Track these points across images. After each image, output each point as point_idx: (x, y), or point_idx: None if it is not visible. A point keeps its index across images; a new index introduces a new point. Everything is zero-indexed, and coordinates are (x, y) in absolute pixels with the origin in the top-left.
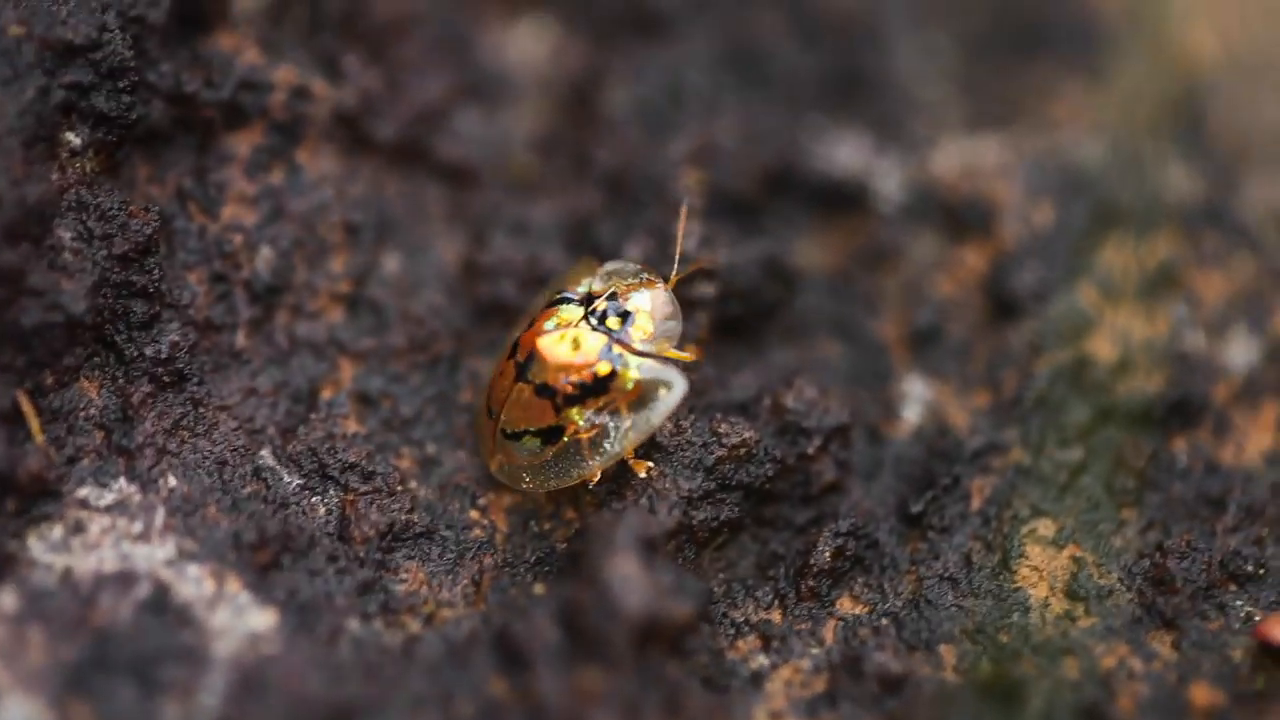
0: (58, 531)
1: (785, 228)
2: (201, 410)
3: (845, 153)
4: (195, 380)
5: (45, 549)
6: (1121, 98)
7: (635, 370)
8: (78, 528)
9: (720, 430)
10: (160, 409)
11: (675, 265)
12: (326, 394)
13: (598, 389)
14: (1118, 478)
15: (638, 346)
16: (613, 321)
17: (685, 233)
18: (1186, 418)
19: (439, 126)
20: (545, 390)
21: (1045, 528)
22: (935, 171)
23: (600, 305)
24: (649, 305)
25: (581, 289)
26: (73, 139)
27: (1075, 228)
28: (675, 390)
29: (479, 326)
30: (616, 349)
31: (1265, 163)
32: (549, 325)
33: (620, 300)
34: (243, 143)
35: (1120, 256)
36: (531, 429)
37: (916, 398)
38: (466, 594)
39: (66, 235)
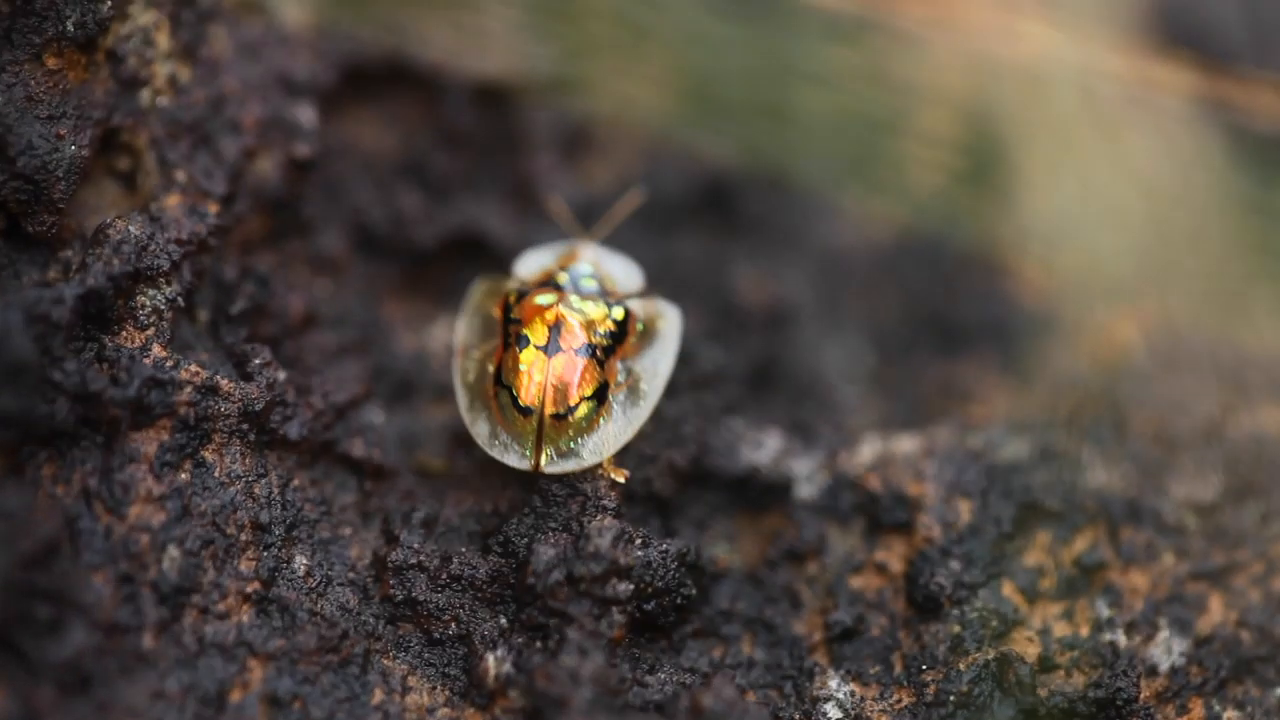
0: None
1: (702, 524)
2: (108, 715)
3: (763, 449)
4: (101, 684)
5: None
6: (1042, 391)
7: (637, 309)
8: None
9: None
10: (65, 714)
11: (587, 230)
12: (236, 696)
13: (620, 335)
14: None
15: (620, 293)
16: (586, 283)
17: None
18: (1113, 717)
19: (349, 422)
20: (587, 349)
21: None
22: (854, 468)
23: (562, 278)
24: (597, 261)
25: (514, 284)
26: None
27: (996, 525)
28: (673, 316)
29: (391, 626)
30: (610, 299)
31: (1188, 456)
32: (544, 301)
33: (574, 268)
34: (149, 441)
35: (1042, 554)
36: (586, 394)
37: (837, 698)
38: None
39: None
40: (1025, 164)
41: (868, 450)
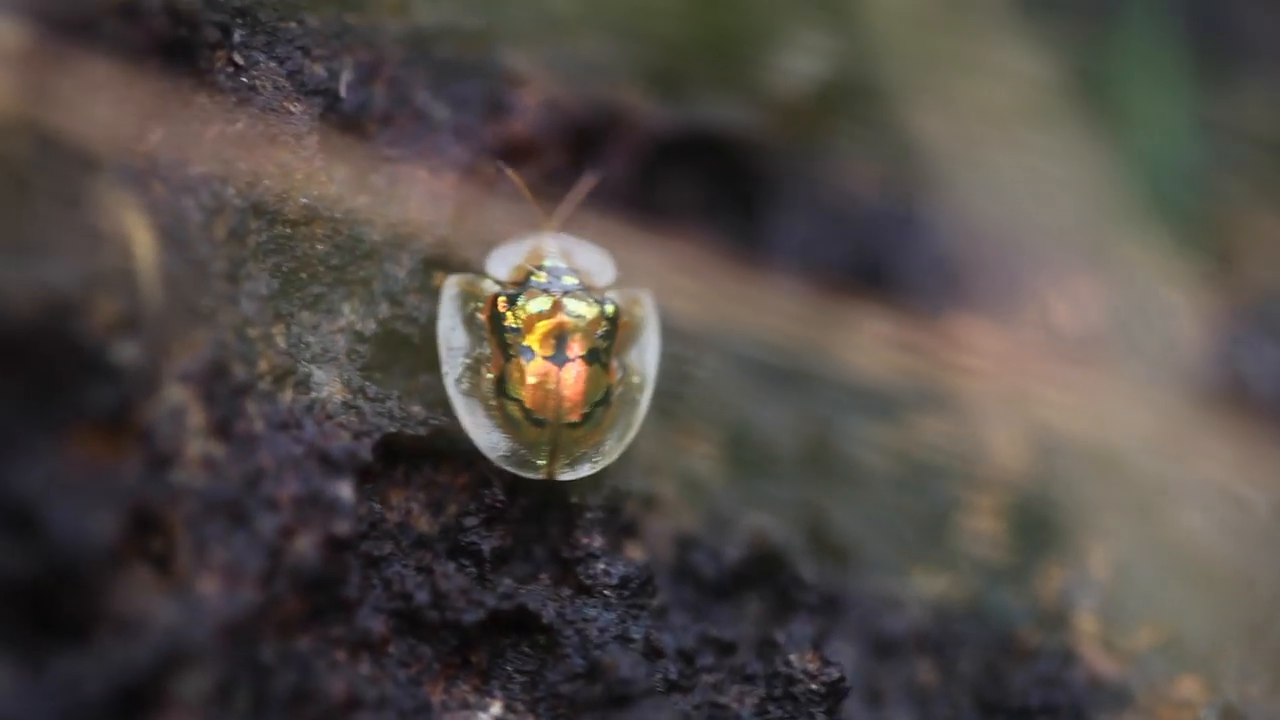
0: None
1: None
2: None
3: None
4: None
5: None
6: None
7: (618, 302)
8: None
9: None
10: None
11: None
12: None
13: (611, 332)
14: None
15: (597, 287)
16: (567, 280)
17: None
18: None
19: None
20: (592, 355)
21: None
22: None
23: (540, 277)
24: (568, 254)
25: (491, 285)
26: None
27: None
28: (648, 301)
29: None
30: (596, 296)
31: None
32: (542, 307)
33: (552, 267)
34: None
35: None
36: (596, 399)
37: None
38: None
39: None
40: (1088, 535)
41: None
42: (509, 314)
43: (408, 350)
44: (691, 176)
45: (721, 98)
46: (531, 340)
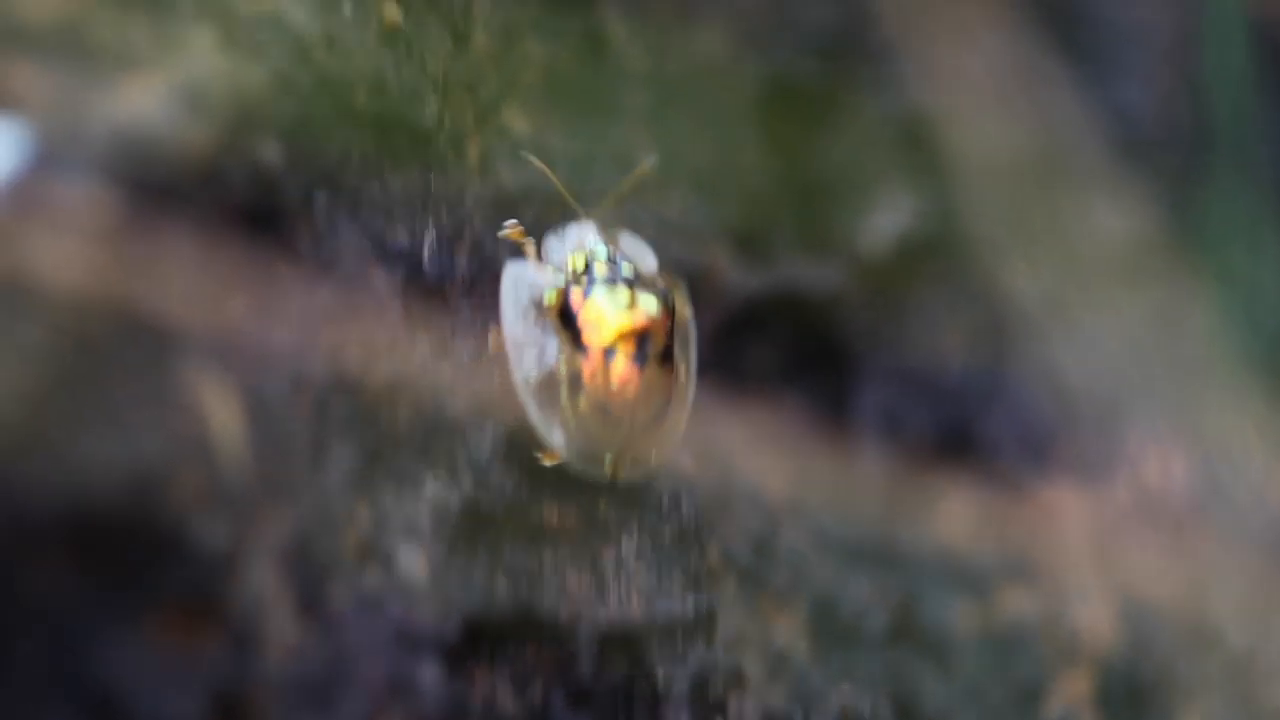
0: None
1: None
2: None
3: None
4: None
5: None
6: None
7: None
8: None
9: None
10: None
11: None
12: None
13: (673, 326)
14: None
15: (646, 276)
16: (625, 269)
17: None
18: None
19: None
20: (666, 352)
21: None
22: None
23: (601, 269)
24: (612, 241)
25: (552, 276)
26: None
27: None
28: (684, 287)
29: None
30: (650, 287)
31: None
32: (619, 305)
33: (613, 257)
34: None
35: None
36: (665, 398)
37: None
38: None
39: None
40: (1180, 706)
41: None
42: (584, 311)
43: (492, 525)
44: (775, 339)
45: (806, 258)
46: (613, 341)
